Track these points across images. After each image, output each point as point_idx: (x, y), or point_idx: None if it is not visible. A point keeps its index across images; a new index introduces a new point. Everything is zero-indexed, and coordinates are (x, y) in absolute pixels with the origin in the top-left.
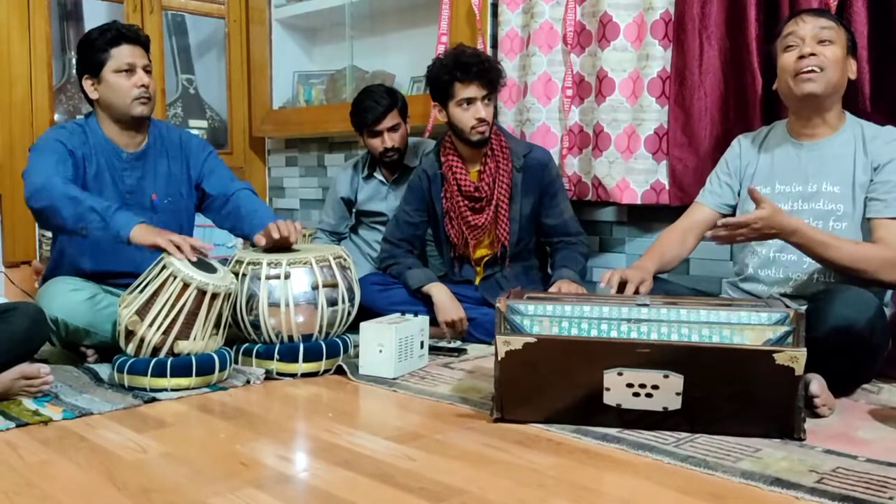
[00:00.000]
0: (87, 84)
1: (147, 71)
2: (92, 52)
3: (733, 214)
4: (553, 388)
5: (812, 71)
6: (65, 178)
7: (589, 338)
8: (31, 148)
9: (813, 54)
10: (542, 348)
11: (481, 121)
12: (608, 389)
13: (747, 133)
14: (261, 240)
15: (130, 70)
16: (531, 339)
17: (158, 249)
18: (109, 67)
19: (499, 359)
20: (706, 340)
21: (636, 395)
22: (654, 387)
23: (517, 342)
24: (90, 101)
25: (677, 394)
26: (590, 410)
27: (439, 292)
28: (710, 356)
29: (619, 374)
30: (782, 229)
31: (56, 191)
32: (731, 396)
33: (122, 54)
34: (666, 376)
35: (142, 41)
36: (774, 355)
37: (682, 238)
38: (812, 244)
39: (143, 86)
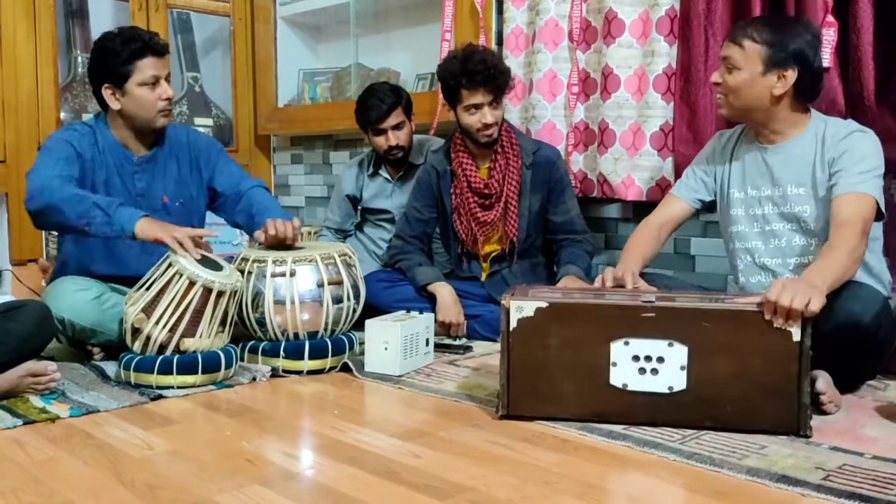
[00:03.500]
0: (108, 93)
1: (168, 80)
2: (115, 63)
3: (709, 209)
4: (561, 369)
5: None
6: (66, 178)
7: (597, 302)
8: (39, 147)
9: (717, 83)
10: (553, 314)
11: (487, 125)
12: (615, 364)
13: (724, 130)
14: (261, 235)
15: (155, 83)
16: (543, 304)
17: (161, 244)
18: (135, 80)
19: (510, 329)
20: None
21: (642, 370)
22: (660, 359)
23: (529, 307)
24: (102, 105)
25: (682, 368)
26: (596, 397)
27: (444, 292)
28: (711, 318)
29: (626, 343)
30: (813, 286)
31: (56, 190)
32: (734, 374)
33: (148, 67)
34: (670, 345)
35: (166, 51)
36: None
37: (657, 234)
38: (832, 283)
39: (167, 98)
